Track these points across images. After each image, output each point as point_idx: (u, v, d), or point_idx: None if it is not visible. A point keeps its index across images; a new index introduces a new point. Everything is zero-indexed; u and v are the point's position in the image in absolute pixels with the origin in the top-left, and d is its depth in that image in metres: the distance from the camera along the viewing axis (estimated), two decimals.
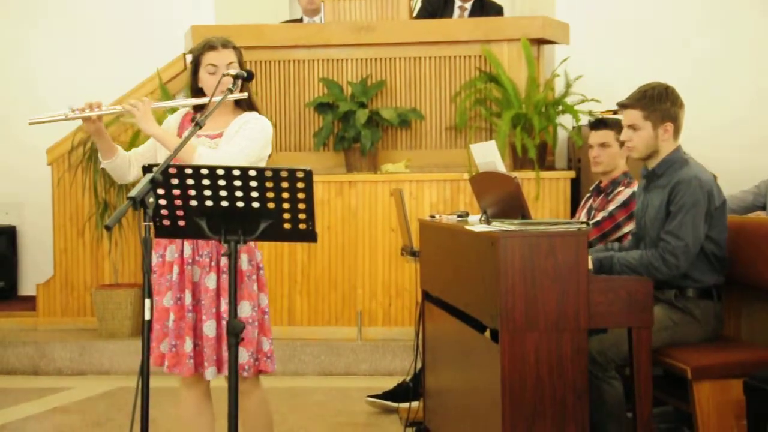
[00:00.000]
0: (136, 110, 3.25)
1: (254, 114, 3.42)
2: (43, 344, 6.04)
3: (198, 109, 3.45)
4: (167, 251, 3.35)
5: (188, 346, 3.29)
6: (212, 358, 3.29)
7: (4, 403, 5.28)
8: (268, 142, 3.41)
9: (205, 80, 3.38)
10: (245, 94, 3.37)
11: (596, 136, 4.34)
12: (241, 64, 3.41)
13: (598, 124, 4.40)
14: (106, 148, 3.37)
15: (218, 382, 3.50)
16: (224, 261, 3.28)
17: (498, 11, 6.58)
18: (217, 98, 3.11)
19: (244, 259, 3.34)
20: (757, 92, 6.68)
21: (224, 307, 3.27)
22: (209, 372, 3.30)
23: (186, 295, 3.31)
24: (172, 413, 4.93)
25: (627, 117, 3.64)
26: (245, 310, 3.32)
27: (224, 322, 3.25)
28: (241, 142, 3.30)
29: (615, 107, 3.93)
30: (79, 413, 5.08)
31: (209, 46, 3.37)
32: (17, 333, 6.33)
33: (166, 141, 3.29)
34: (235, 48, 3.41)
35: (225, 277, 3.28)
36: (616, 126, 4.20)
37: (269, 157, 3.46)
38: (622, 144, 3.80)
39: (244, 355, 3.30)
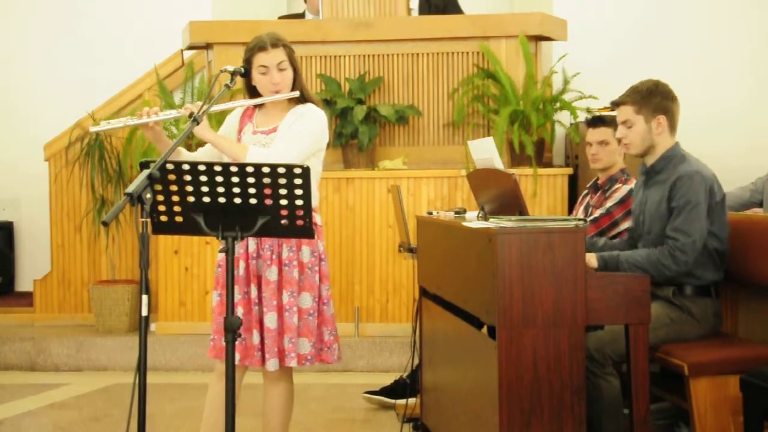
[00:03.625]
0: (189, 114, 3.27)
1: (309, 106, 3.46)
2: (40, 340, 6.03)
3: (256, 107, 3.54)
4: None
5: (256, 338, 3.36)
6: (273, 349, 3.34)
7: (1, 398, 5.27)
8: (322, 134, 3.45)
9: (258, 80, 3.42)
10: (296, 93, 3.40)
11: (595, 134, 4.34)
12: (293, 62, 3.44)
13: (597, 122, 4.40)
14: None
15: (249, 380, 3.58)
16: (286, 254, 3.36)
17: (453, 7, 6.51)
18: (214, 95, 3.15)
19: (305, 251, 3.39)
20: (755, 91, 6.67)
21: (286, 299, 3.34)
22: (271, 363, 3.34)
23: (252, 289, 3.37)
24: (169, 409, 4.94)
25: (620, 114, 3.66)
26: (306, 301, 3.39)
27: (286, 314, 3.33)
28: (293, 138, 3.35)
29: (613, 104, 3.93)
30: (76, 409, 5.07)
31: (259, 47, 3.40)
32: (14, 329, 6.33)
33: (219, 143, 3.35)
34: (285, 46, 3.43)
35: (287, 269, 3.36)
36: (614, 123, 4.19)
37: (328, 146, 3.51)
38: (619, 141, 3.81)
39: (306, 346, 3.38)
